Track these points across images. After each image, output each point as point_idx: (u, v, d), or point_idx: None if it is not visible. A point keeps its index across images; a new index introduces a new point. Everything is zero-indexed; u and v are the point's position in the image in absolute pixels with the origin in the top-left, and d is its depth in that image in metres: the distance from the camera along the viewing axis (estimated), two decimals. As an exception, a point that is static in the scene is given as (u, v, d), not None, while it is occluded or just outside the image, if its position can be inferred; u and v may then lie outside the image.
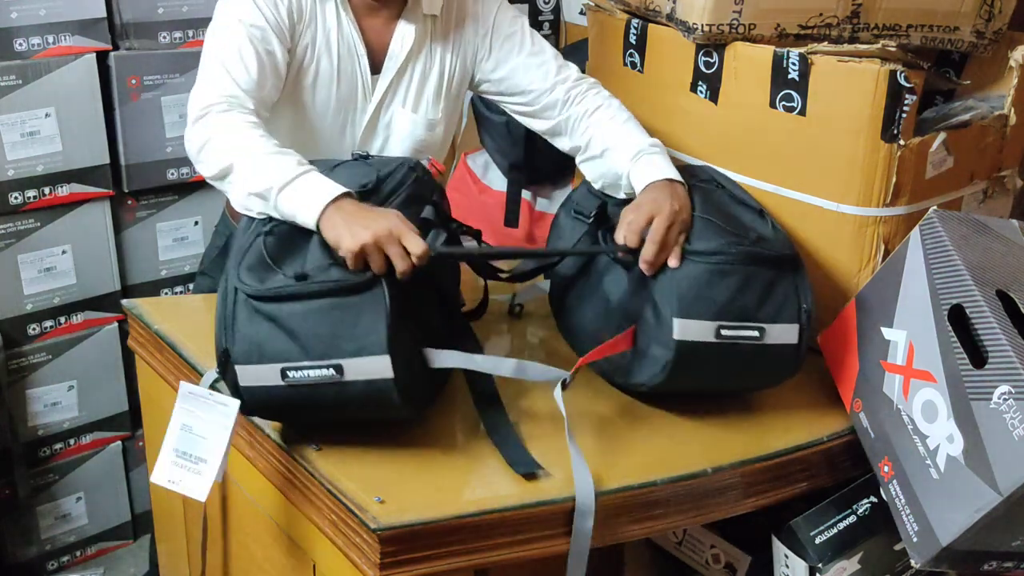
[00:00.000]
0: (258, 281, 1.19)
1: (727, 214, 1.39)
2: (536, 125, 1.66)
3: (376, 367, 1.15)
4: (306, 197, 1.26)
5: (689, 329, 1.27)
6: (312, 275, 1.19)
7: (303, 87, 1.57)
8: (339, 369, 1.15)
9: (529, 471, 1.20)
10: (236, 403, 1.21)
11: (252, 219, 1.31)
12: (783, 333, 1.30)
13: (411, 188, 1.38)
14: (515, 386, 1.36)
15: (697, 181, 1.45)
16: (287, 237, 1.27)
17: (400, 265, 1.20)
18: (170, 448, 1.25)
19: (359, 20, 1.57)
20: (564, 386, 1.26)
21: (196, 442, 1.24)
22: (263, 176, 1.29)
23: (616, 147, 1.50)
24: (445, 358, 1.27)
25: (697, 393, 1.37)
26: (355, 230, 1.20)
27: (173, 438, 1.25)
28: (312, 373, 1.15)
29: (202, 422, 1.23)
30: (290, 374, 1.16)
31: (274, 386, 1.17)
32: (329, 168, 1.37)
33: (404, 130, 1.64)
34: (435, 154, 1.71)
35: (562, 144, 1.64)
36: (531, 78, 1.62)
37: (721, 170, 1.54)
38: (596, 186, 1.56)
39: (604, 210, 1.49)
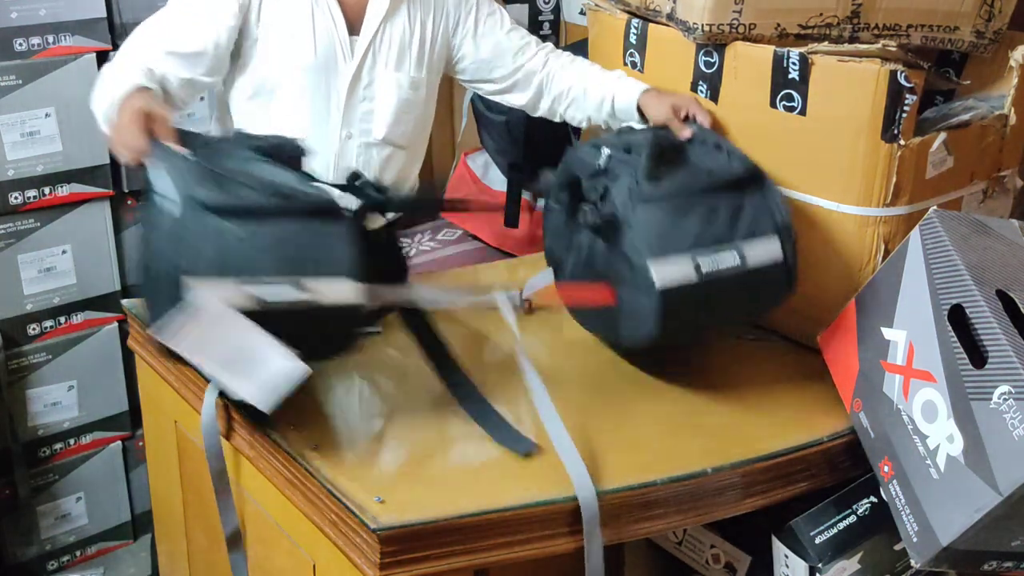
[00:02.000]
0: (221, 195, 1.16)
1: (685, 164, 1.37)
2: (516, 98, 1.79)
3: (342, 289, 1.16)
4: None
5: (666, 270, 1.24)
6: (287, 194, 1.17)
7: (280, 47, 1.62)
8: (304, 289, 1.14)
9: (527, 450, 1.21)
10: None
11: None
12: (764, 250, 1.28)
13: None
14: (503, 392, 1.37)
15: (660, 139, 1.43)
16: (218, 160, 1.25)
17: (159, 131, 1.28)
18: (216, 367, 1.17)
19: None
20: (520, 306, 1.28)
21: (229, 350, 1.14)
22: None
23: (596, 81, 1.72)
24: (401, 293, 1.30)
25: (700, 339, 1.35)
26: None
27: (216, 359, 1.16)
28: (274, 291, 1.13)
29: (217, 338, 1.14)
30: (250, 289, 1.12)
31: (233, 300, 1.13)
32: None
33: (388, 90, 1.70)
34: (417, 122, 1.77)
35: (543, 104, 1.78)
36: (515, 49, 1.75)
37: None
38: (583, 125, 1.77)
39: (577, 184, 1.44)
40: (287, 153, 1.32)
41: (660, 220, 1.27)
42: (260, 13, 1.61)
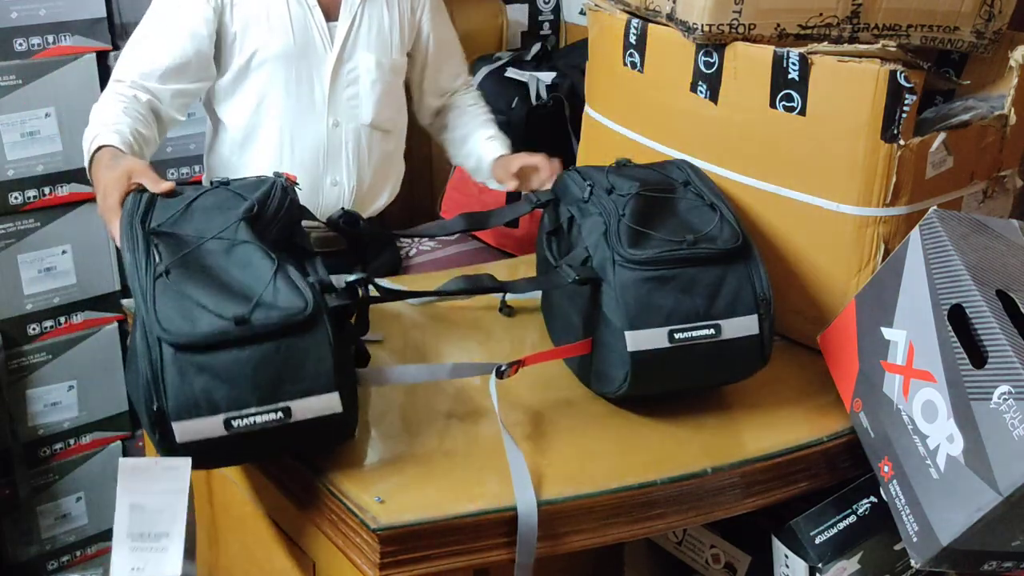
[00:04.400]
0: (186, 326, 1.08)
1: (669, 219, 1.36)
2: (426, 105, 1.94)
3: (324, 404, 1.11)
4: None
5: (641, 340, 1.26)
6: (252, 316, 1.09)
7: (258, 40, 1.63)
8: (287, 412, 1.09)
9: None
10: (187, 461, 1.09)
11: (140, 255, 1.18)
12: (741, 326, 1.28)
13: (288, 212, 1.29)
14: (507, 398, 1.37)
15: (646, 189, 1.40)
16: (190, 267, 1.16)
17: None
18: (123, 535, 1.09)
19: None
20: (499, 375, 1.27)
21: (152, 519, 1.09)
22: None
23: (473, 133, 1.89)
24: (382, 376, 1.31)
25: (670, 394, 1.36)
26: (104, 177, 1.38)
27: (124, 524, 1.09)
28: (259, 419, 1.08)
29: (153, 495, 1.09)
30: (235, 423, 1.08)
31: (217, 437, 1.08)
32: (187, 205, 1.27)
33: (371, 74, 1.73)
34: (396, 105, 1.83)
35: (434, 123, 1.97)
36: (452, 56, 1.89)
37: (720, 169, 1.54)
38: (454, 162, 2.01)
39: (558, 205, 1.50)
40: (277, 202, 1.26)
41: (640, 289, 1.27)
42: (233, 11, 1.62)
